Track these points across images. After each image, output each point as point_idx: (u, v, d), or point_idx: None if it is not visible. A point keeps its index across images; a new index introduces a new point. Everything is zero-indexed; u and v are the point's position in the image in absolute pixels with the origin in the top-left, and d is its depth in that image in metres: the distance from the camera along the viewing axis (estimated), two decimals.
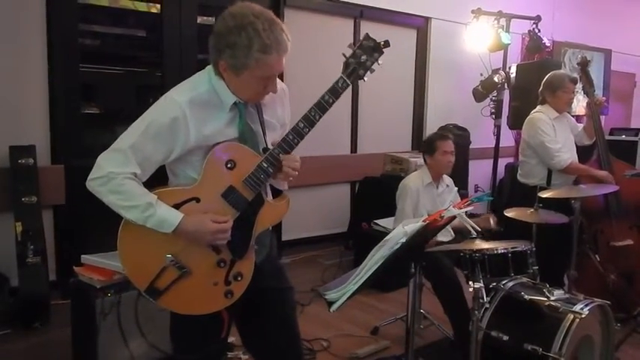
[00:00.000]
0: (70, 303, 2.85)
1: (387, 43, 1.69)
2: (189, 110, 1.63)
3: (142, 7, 4.31)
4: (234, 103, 1.68)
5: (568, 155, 3.54)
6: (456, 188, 3.53)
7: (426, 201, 3.30)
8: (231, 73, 1.62)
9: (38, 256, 3.34)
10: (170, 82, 3.99)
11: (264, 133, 1.76)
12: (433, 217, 1.91)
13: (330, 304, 1.79)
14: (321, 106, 1.67)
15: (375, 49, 1.69)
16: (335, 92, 1.67)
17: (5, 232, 3.41)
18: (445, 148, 3.29)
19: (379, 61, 1.71)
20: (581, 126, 3.83)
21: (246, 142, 1.71)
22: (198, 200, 1.68)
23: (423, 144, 3.44)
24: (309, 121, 1.67)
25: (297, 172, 1.72)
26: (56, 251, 3.71)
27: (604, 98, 3.64)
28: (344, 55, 1.71)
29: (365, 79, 1.72)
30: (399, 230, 1.80)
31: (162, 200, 1.64)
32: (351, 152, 5.32)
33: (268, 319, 1.87)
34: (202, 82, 1.69)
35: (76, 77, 3.77)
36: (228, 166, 1.68)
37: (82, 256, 2.83)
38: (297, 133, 1.68)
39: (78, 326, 2.78)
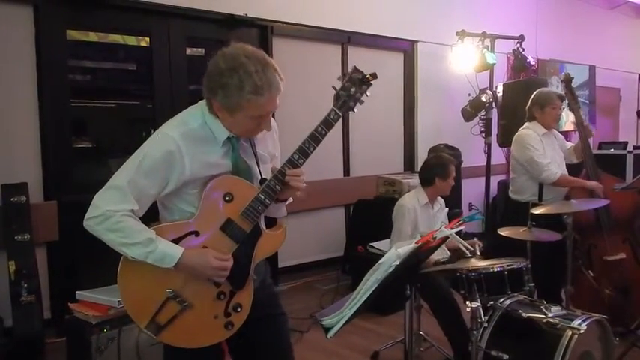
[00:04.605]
0: (65, 340, 2.81)
1: (374, 75, 1.73)
2: (183, 143, 1.65)
3: (132, 41, 4.36)
4: (228, 138, 1.70)
5: (557, 169, 3.57)
6: (447, 209, 3.57)
7: (423, 220, 3.33)
8: (225, 112, 1.65)
9: (32, 295, 3.30)
10: (161, 114, 4.09)
11: (258, 166, 1.79)
12: (425, 239, 1.92)
13: (327, 330, 1.79)
14: (315, 138, 1.71)
15: (364, 81, 1.73)
16: (327, 124, 1.71)
17: None
18: (454, 173, 3.41)
19: (367, 93, 1.75)
20: (569, 144, 3.89)
21: (239, 174, 1.73)
22: (197, 234, 1.69)
23: (437, 167, 3.39)
24: (304, 152, 1.71)
25: (304, 185, 1.73)
26: (50, 288, 3.66)
27: (588, 123, 3.72)
28: (334, 87, 1.74)
29: (355, 110, 1.75)
30: (392, 253, 1.81)
31: (161, 235, 1.65)
32: (344, 176, 5.33)
33: (263, 346, 1.87)
34: (195, 118, 1.71)
35: (67, 113, 3.78)
36: (226, 199, 1.70)
37: (77, 292, 2.82)
38: (293, 165, 1.70)
39: None
